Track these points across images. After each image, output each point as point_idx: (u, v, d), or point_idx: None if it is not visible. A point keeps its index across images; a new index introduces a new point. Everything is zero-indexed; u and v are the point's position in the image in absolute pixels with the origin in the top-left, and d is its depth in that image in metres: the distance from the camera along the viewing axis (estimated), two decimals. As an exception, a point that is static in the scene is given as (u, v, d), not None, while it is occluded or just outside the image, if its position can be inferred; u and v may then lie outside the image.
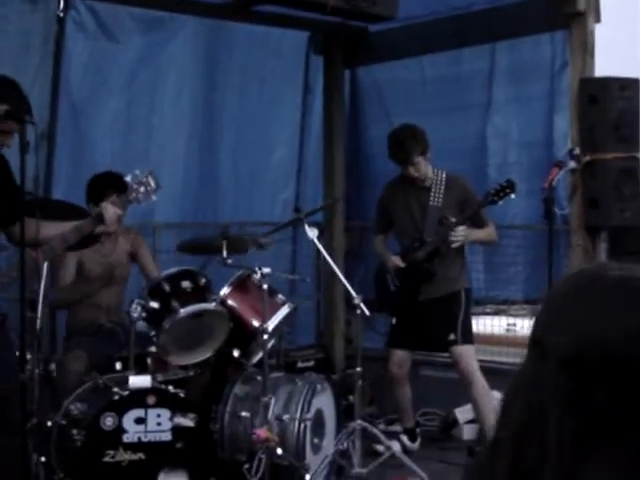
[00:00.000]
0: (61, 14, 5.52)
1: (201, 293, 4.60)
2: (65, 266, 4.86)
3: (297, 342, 6.58)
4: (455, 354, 5.24)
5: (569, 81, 5.33)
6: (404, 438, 5.57)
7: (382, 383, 5.85)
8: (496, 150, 6.41)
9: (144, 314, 4.39)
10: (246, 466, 4.32)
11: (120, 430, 4.09)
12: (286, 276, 6.03)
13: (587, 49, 5.17)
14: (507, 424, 1.08)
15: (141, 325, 4.45)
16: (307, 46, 6.85)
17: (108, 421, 4.07)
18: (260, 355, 4.61)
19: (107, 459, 4.06)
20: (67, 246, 3.90)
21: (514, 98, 6.28)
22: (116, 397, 4.13)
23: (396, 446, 5.14)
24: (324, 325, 6.92)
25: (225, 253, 4.64)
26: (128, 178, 3.99)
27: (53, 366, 4.54)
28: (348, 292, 4.83)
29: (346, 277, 5.10)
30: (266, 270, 4.55)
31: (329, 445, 4.71)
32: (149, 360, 4.53)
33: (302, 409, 4.50)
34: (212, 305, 4.59)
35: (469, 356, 5.24)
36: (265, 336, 4.41)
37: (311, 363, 5.81)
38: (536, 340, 1.08)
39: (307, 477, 4.34)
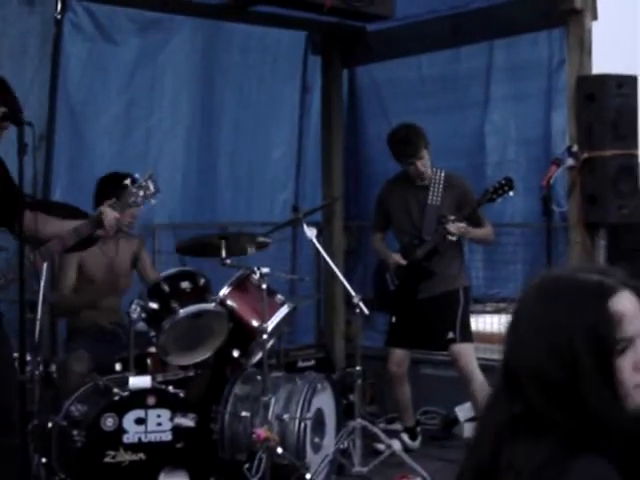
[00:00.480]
0: (59, 16, 5.52)
1: (200, 293, 4.60)
2: (65, 268, 4.86)
3: (297, 341, 6.59)
4: (454, 352, 5.25)
5: (566, 79, 5.33)
6: (404, 437, 5.57)
7: (382, 382, 5.86)
8: (494, 148, 6.42)
9: (144, 315, 4.40)
10: (246, 466, 4.32)
11: (120, 431, 4.10)
12: (285, 276, 6.03)
13: (584, 47, 5.17)
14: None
15: (141, 326, 4.45)
16: (305, 46, 6.85)
17: (108, 422, 4.08)
18: (260, 355, 4.62)
19: (108, 460, 4.07)
20: (65, 248, 3.90)
21: (512, 96, 6.28)
22: (116, 398, 4.14)
23: (397, 445, 5.14)
24: (324, 324, 6.92)
25: (224, 253, 4.65)
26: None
27: (54, 367, 4.55)
28: (348, 291, 4.84)
29: (345, 276, 5.11)
30: (265, 270, 4.55)
31: (329, 444, 4.72)
32: (149, 361, 4.54)
33: (302, 408, 4.50)
34: (212, 305, 4.59)
35: (468, 354, 5.24)
36: (265, 336, 4.42)
37: (311, 362, 5.81)
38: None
39: (307, 476, 4.35)
